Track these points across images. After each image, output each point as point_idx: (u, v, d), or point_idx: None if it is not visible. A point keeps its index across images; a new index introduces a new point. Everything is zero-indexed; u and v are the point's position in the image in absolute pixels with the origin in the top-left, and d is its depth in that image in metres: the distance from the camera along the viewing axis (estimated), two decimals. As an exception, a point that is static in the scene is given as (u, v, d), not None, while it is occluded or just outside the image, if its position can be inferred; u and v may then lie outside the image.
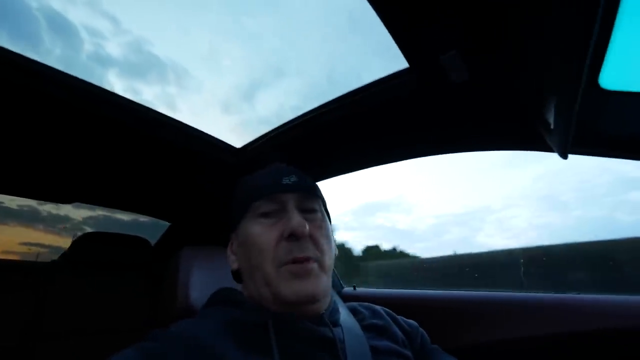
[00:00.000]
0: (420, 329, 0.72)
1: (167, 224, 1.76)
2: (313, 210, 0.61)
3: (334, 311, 0.61)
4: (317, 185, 0.65)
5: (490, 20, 0.55)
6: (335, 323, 0.58)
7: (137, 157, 1.12)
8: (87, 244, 1.46)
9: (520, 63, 0.58)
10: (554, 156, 0.77)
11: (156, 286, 1.54)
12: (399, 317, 0.71)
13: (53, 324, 1.26)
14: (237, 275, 0.64)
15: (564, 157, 0.61)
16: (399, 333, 0.65)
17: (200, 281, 0.83)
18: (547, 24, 0.45)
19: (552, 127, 0.56)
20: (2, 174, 1.21)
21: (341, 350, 0.53)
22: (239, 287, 0.64)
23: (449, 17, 0.56)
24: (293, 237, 0.54)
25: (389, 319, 0.68)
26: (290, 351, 0.50)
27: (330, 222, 0.67)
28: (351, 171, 1.13)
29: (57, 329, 1.27)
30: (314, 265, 0.54)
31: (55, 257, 1.50)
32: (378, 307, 0.72)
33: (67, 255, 1.44)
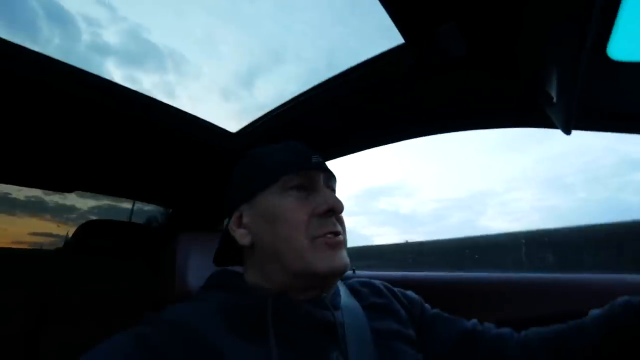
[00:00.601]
0: (419, 298, 0.72)
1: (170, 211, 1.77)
2: (334, 191, 0.63)
3: (335, 294, 0.60)
4: None
5: None
6: (337, 306, 0.57)
7: (134, 144, 1.11)
8: (90, 232, 1.47)
9: (522, 32, 0.55)
10: (558, 135, 0.74)
11: (157, 272, 1.56)
12: (397, 289, 0.71)
13: (57, 310, 1.29)
14: (233, 255, 0.64)
15: (567, 132, 0.58)
16: (401, 310, 0.65)
17: (197, 267, 0.83)
18: None
19: (554, 100, 0.54)
20: (5, 164, 1.22)
21: (341, 335, 0.52)
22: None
23: None
24: (330, 213, 0.55)
25: (389, 294, 0.68)
26: (288, 336, 0.49)
27: None
28: (350, 153, 1.10)
29: (61, 316, 1.29)
30: (343, 239, 0.57)
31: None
32: (377, 282, 0.71)
33: (70, 243, 1.45)
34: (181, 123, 1.01)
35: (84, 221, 1.46)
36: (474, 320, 0.68)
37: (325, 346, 0.51)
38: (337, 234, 0.55)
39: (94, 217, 1.53)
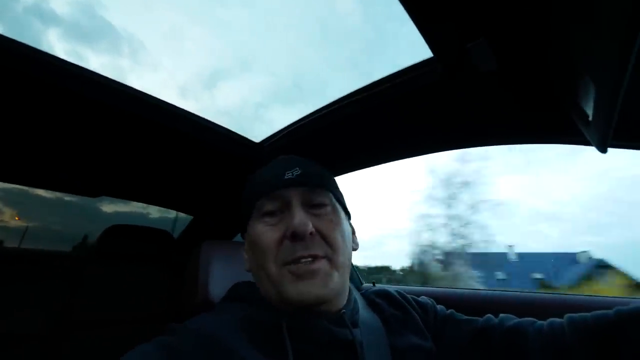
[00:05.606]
0: (431, 301, 0.70)
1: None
2: (322, 205, 0.57)
3: (355, 311, 0.58)
4: (328, 177, 0.61)
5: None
6: (356, 323, 0.56)
7: (160, 151, 1.14)
8: (114, 237, 1.51)
9: (555, 48, 0.54)
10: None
11: (179, 277, 1.58)
12: (410, 297, 0.69)
13: (81, 313, 1.32)
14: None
15: (603, 151, 0.56)
16: (419, 320, 0.63)
17: (220, 275, 0.84)
18: (587, 2, 0.41)
19: (590, 118, 0.52)
20: (36, 168, 1.26)
21: (360, 355, 0.51)
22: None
23: (476, 2, 0.52)
24: (296, 237, 0.51)
25: (405, 303, 0.66)
26: (306, 355, 0.48)
27: (348, 215, 0.64)
28: (372, 165, 1.10)
29: (85, 319, 1.32)
30: (323, 264, 0.51)
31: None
32: (393, 292, 0.69)
33: (95, 247, 1.50)
34: (205, 132, 1.03)
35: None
36: (488, 316, 0.64)
37: None
38: (312, 258, 0.51)
39: None
